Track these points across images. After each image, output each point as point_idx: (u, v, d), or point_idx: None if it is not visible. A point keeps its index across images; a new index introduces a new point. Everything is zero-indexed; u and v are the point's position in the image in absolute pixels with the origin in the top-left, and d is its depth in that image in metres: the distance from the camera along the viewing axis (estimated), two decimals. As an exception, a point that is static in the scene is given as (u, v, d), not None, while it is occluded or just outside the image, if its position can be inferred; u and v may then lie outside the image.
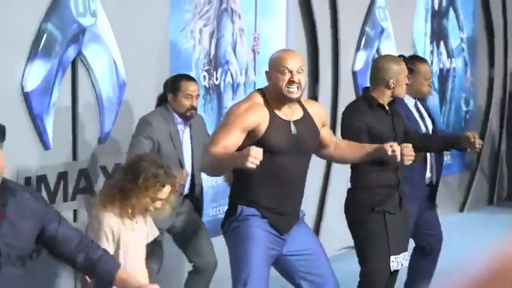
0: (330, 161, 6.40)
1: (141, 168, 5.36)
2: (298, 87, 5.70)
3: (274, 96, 5.77)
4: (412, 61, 7.29)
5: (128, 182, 5.33)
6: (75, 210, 7.16)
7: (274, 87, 5.74)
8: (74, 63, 7.20)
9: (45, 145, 6.92)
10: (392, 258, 6.49)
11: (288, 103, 5.78)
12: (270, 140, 5.63)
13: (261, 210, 5.69)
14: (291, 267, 5.89)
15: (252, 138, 5.61)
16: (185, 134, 7.15)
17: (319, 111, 6.11)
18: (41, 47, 6.85)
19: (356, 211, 6.51)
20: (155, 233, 5.72)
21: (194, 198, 7.23)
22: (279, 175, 5.65)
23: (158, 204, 5.37)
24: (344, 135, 6.55)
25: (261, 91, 5.86)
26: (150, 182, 5.30)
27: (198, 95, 7.16)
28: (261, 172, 5.49)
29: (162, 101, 7.16)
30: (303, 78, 5.78)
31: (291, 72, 5.67)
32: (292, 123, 5.78)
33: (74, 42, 7.14)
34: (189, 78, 7.23)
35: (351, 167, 6.75)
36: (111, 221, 5.20)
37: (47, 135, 6.90)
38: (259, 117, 5.66)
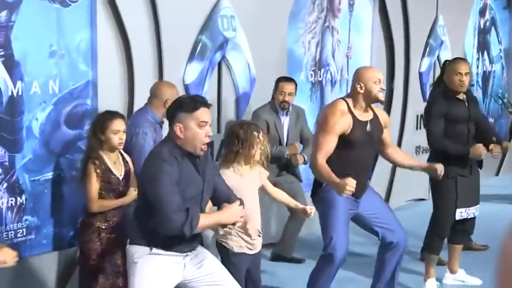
0: (381, 156, 6.19)
1: (237, 129, 5.21)
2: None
3: (363, 101, 5.57)
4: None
5: (231, 143, 5.20)
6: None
7: (368, 94, 5.53)
8: (219, 64, 7.25)
9: (199, 122, 7.01)
10: (459, 210, 6.37)
11: (371, 105, 5.65)
12: (353, 137, 5.48)
13: None
14: (366, 220, 5.78)
15: (340, 136, 5.48)
16: (285, 121, 7.15)
17: (384, 117, 5.92)
18: (197, 52, 6.92)
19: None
20: (264, 175, 5.43)
21: (290, 165, 7.18)
22: (356, 160, 5.50)
23: (257, 151, 5.15)
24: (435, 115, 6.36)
25: (344, 100, 5.65)
26: (246, 135, 5.15)
27: (291, 92, 7.08)
28: (343, 158, 5.42)
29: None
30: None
31: (380, 81, 5.58)
32: (368, 122, 5.62)
33: (220, 49, 7.19)
34: (287, 79, 7.14)
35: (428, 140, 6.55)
36: (225, 174, 5.09)
37: (200, 115, 6.99)
38: (347, 123, 5.48)
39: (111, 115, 5.26)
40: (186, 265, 4.40)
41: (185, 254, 4.37)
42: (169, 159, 4.14)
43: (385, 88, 5.67)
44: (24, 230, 5.64)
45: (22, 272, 5.61)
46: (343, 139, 5.47)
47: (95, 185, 5.17)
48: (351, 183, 5.12)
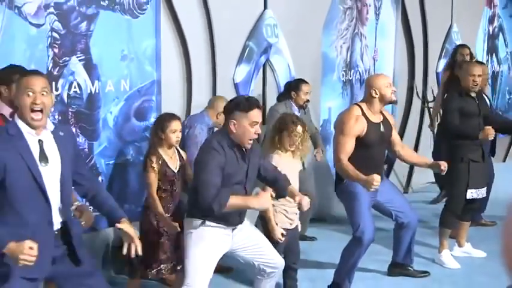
0: (390, 153, 6.07)
1: (284, 120, 5.30)
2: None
3: (378, 104, 5.54)
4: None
5: (276, 130, 5.30)
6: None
7: (382, 97, 5.51)
8: (264, 66, 7.29)
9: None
10: (470, 190, 6.39)
11: (382, 108, 5.60)
12: (368, 138, 5.47)
13: None
14: (383, 206, 5.81)
15: (356, 138, 5.46)
16: None
17: (391, 119, 5.86)
18: (245, 56, 6.99)
19: (449, 160, 6.14)
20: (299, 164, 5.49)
21: None
22: (370, 157, 5.48)
23: (297, 140, 5.23)
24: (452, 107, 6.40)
25: (358, 105, 5.58)
26: (289, 126, 5.23)
27: (310, 92, 6.96)
28: (360, 157, 5.40)
29: (282, 96, 6.98)
30: None
31: (391, 85, 5.55)
32: (381, 123, 5.59)
33: (265, 53, 7.22)
34: (306, 82, 6.91)
35: (443, 128, 6.61)
36: (273, 158, 5.17)
37: (248, 110, 7.04)
38: (362, 126, 5.46)
39: (169, 117, 5.30)
40: (234, 236, 4.50)
41: (234, 226, 4.48)
42: (217, 148, 4.24)
43: (396, 89, 5.60)
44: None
45: (93, 243, 5.70)
46: (359, 141, 5.47)
47: (153, 179, 5.18)
48: (376, 179, 5.12)
